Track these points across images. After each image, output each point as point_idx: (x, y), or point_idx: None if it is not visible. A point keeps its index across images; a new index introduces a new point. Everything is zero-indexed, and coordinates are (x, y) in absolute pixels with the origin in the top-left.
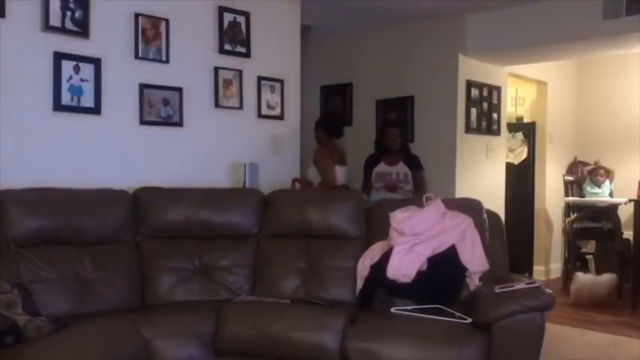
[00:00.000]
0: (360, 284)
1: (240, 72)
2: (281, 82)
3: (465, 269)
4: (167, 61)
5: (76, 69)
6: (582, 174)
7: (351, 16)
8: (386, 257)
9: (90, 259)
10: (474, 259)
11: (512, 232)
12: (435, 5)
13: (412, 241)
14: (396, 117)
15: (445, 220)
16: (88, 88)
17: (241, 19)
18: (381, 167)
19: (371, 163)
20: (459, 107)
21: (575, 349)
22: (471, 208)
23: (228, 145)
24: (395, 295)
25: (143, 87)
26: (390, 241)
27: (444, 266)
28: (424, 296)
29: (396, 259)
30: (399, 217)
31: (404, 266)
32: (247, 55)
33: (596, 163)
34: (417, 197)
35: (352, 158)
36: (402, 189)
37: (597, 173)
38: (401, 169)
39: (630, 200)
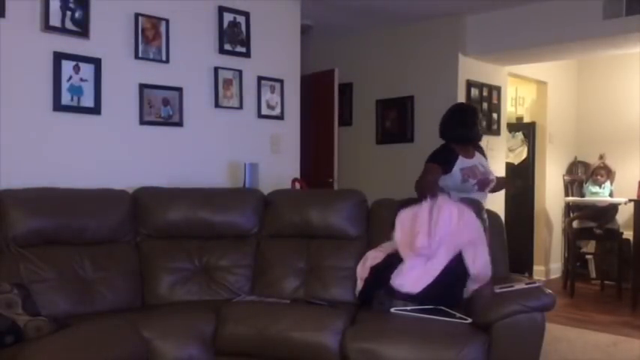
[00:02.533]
0: (359, 285)
1: (240, 72)
2: (281, 82)
3: (467, 275)
4: (167, 61)
5: (76, 69)
6: (585, 173)
7: (351, 16)
8: (390, 261)
9: (90, 259)
10: (476, 264)
11: (512, 232)
12: (435, 5)
13: (427, 257)
14: (396, 117)
15: (459, 224)
16: (88, 88)
17: (241, 19)
18: (464, 162)
19: (450, 158)
20: None
21: (575, 349)
22: (470, 207)
23: (228, 145)
24: (395, 297)
25: (143, 87)
26: (393, 245)
27: (449, 276)
28: (425, 301)
29: (407, 274)
30: (422, 243)
31: (413, 284)
32: (247, 55)
33: (601, 158)
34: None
35: (352, 158)
36: (492, 184)
37: (598, 173)
38: (481, 160)
39: (630, 200)
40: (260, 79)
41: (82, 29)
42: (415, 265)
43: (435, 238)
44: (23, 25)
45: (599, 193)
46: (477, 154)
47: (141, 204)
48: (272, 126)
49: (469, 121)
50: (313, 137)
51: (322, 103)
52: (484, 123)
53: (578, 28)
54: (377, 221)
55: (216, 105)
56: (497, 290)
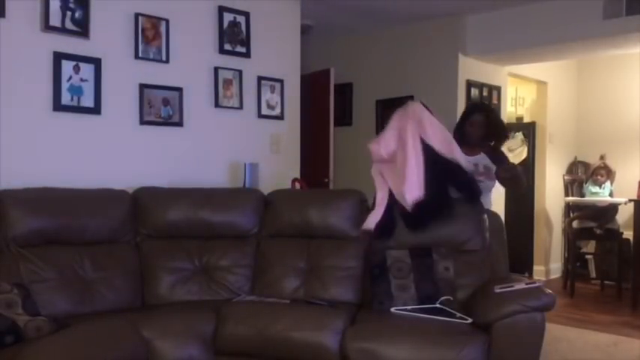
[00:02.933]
0: (379, 213)
1: (240, 72)
2: (281, 82)
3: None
4: (167, 61)
5: (76, 69)
6: (585, 173)
7: (351, 16)
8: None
9: (90, 259)
10: (437, 139)
11: (512, 232)
12: (435, 5)
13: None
14: None
15: (400, 117)
16: (88, 88)
17: (241, 19)
18: None
19: None
20: (459, 107)
21: (575, 349)
22: (470, 207)
23: (228, 145)
24: (423, 221)
25: (143, 87)
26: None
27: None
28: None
29: (410, 179)
30: (374, 148)
31: (415, 187)
32: (247, 55)
33: (601, 158)
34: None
35: (352, 158)
36: (483, 184)
37: (598, 173)
38: (482, 160)
39: (630, 200)
40: (260, 79)
41: (82, 29)
42: (391, 171)
43: (382, 142)
44: (23, 25)
45: (599, 193)
46: (482, 155)
47: (141, 204)
48: (272, 126)
49: (466, 126)
50: (312, 137)
51: (319, 102)
52: None
53: (579, 28)
54: None
55: (216, 105)
56: (497, 290)
